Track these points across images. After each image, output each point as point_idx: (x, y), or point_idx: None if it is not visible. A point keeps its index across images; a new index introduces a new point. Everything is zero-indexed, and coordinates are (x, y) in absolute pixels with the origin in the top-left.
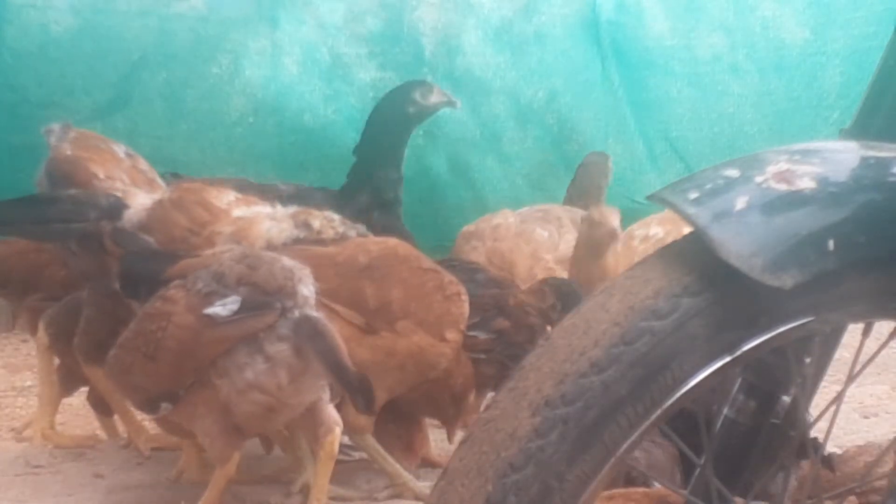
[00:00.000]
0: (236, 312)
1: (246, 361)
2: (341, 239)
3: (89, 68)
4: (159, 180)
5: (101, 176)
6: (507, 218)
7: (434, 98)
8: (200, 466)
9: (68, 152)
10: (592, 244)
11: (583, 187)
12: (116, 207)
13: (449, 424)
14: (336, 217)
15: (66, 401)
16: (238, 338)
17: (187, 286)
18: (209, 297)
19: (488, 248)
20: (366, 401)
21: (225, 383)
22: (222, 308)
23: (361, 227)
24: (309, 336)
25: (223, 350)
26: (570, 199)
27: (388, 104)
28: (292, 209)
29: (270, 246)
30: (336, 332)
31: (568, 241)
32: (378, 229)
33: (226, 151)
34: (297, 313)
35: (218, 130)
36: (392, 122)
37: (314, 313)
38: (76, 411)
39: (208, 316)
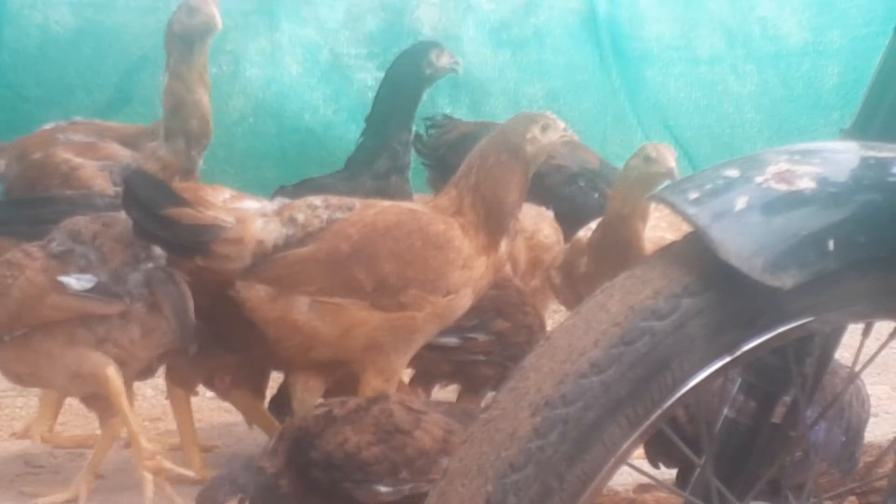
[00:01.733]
0: (88, 291)
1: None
2: (326, 227)
3: (89, 68)
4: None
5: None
6: None
7: (446, 60)
8: (201, 466)
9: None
10: (644, 181)
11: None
12: (112, 208)
13: None
14: (318, 203)
15: (66, 401)
16: (79, 313)
17: (44, 244)
18: (65, 260)
19: None
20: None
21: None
22: (76, 281)
23: (350, 201)
24: (161, 282)
25: (61, 318)
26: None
27: (404, 66)
28: (277, 203)
29: (263, 249)
30: (185, 285)
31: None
32: (396, 195)
33: (226, 151)
34: (150, 265)
35: (218, 130)
36: (408, 83)
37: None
38: (76, 411)
39: (59, 282)
